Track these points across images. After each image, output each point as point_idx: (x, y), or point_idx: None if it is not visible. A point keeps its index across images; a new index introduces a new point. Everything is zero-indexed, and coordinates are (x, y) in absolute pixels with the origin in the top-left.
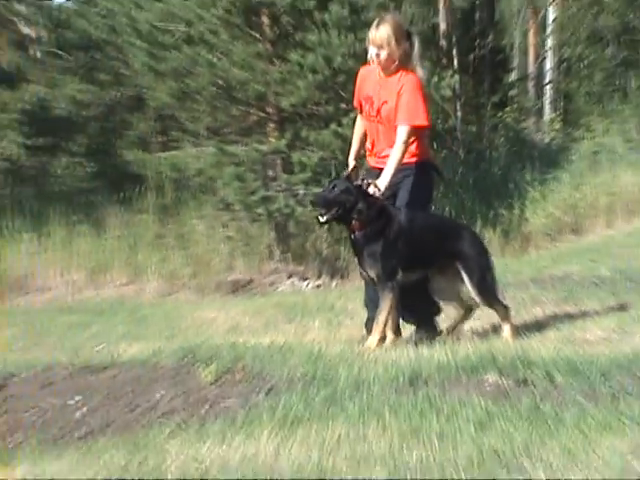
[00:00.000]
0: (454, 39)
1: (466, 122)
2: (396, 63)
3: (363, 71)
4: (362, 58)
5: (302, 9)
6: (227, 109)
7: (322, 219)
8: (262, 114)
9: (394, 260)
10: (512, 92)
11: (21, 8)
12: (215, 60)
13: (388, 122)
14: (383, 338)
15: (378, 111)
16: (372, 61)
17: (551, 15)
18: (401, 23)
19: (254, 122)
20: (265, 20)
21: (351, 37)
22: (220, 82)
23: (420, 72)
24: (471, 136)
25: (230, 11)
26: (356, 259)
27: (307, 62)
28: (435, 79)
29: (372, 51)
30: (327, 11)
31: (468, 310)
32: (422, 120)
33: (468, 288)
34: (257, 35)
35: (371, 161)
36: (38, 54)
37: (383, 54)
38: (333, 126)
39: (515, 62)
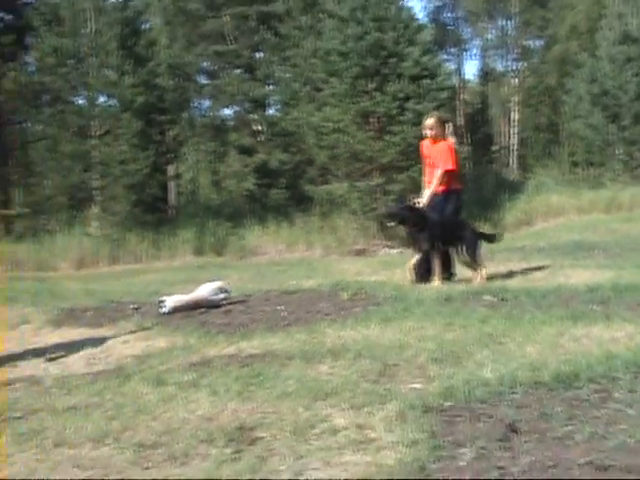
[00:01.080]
0: (467, 128)
1: (474, 169)
2: (438, 136)
3: (424, 143)
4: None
5: (391, 115)
6: (354, 164)
7: (388, 225)
8: (371, 166)
9: (432, 241)
10: (495, 155)
11: None
12: (348, 140)
13: (436, 168)
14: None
15: (431, 163)
16: (426, 136)
17: (514, 115)
18: (440, 115)
19: (367, 170)
20: (373, 120)
21: (416, 129)
22: (350, 151)
23: (453, 139)
24: (475, 176)
25: (355, 116)
26: (411, 245)
27: (393, 140)
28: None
29: (425, 131)
30: (404, 115)
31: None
32: (450, 166)
33: (465, 253)
34: (368, 127)
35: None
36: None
37: (430, 133)
38: (406, 173)
39: (497, 139)
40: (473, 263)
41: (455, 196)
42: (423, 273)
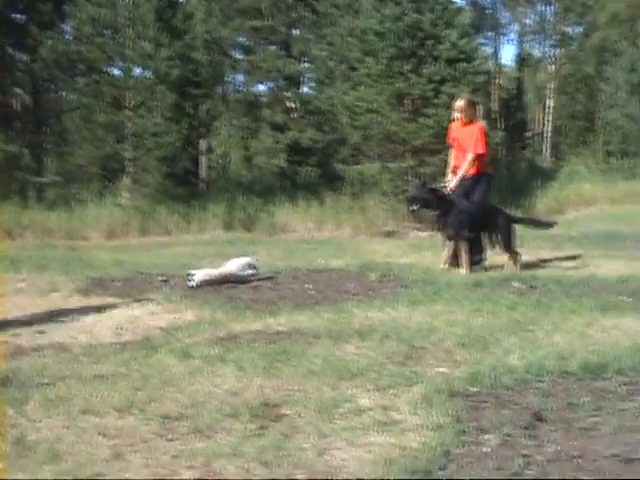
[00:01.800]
0: (501, 114)
1: (507, 155)
2: (468, 119)
3: (453, 125)
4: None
5: (426, 98)
6: (387, 145)
7: (413, 208)
8: (404, 148)
9: (458, 227)
10: (528, 141)
11: None
12: (382, 120)
13: (465, 152)
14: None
15: (459, 146)
16: (456, 119)
17: (549, 102)
18: (470, 97)
19: (399, 152)
20: (407, 101)
21: (449, 112)
22: (384, 132)
23: (484, 123)
24: (508, 162)
25: (390, 97)
26: (438, 227)
27: (427, 123)
28: (491, 133)
29: (455, 113)
30: (439, 98)
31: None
32: (480, 150)
33: (499, 240)
34: (403, 108)
35: (457, 172)
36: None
37: (460, 115)
38: (439, 156)
39: (531, 126)
40: (507, 251)
41: (485, 180)
42: (453, 258)
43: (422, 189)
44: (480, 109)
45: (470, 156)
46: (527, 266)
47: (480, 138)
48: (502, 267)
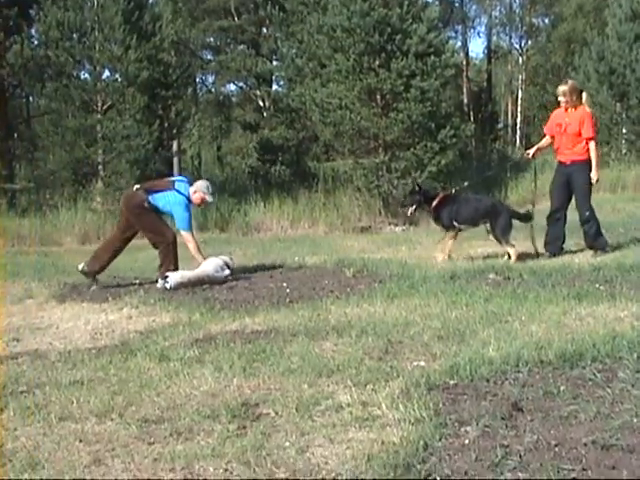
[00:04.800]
0: (471, 106)
1: (477, 147)
2: (573, 104)
3: (556, 110)
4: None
5: (396, 92)
6: (359, 141)
7: (408, 212)
8: (376, 143)
9: (449, 220)
10: (500, 133)
11: None
12: (353, 116)
13: (571, 135)
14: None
15: (564, 130)
16: (560, 104)
17: (519, 93)
18: (574, 82)
19: (372, 147)
20: (378, 97)
21: (421, 106)
22: (355, 128)
23: (587, 108)
24: (479, 154)
25: (361, 92)
26: (432, 222)
27: (398, 118)
28: (462, 126)
29: (560, 98)
30: (409, 93)
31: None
32: (591, 134)
33: (494, 232)
34: (373, 104)
35: (559, 157)
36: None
37: (564, 99)
38: (411, 150)
39: (502, 117)
40: (503, 242)
41: (589, 167)
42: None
43: (414, 192)
44: (586, 95)
45: (593, 145)
46: (503, 256)
47: (591, 123)
48: (485, 258)
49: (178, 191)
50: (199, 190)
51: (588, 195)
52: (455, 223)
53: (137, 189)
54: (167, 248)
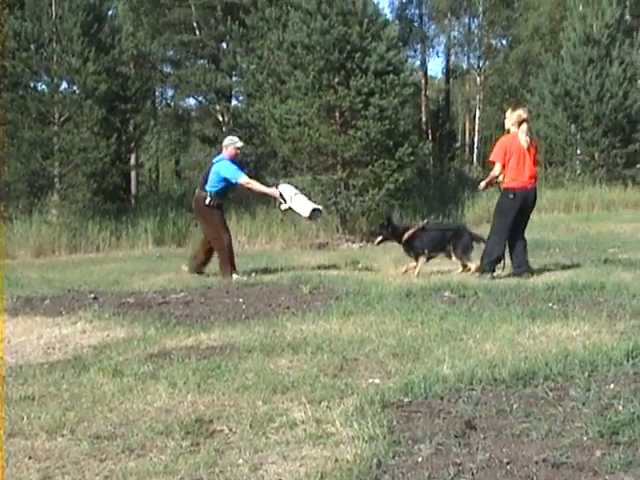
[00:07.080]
0: (430, 125)
1: (435, 166)
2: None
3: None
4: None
5: (355, 110)
6: (317, 158)
7: (376, 242)
8: (334, 160)
9: (421, 249)
10: (458, 152)
11: None
12: (312, 133)
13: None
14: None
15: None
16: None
17: (477, 113)
18: (511, 110)
19: (330, 164)
20: (337, 114)
21: (380, 124)
22: (314, 144)
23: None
24: (437, 173)
25: (320, 109)
26: (402, 249)
27: (356, 135)
28: (420, 144)
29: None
30: (368, 110)
31: (463, 265)
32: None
33: (456, 252)
34: (332, 121)
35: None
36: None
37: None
38: (369, 167)
39: (459, 136)
40: (464, 260)
41: (503, 191)
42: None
43: (384, 227)
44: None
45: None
46: (456, 276)
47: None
48: (441, 274)
49: (217, 161)
50: (227, 145)
51: (500, 219)
52: (426, 251)
53: (196, 189)
54: (223, 250)
